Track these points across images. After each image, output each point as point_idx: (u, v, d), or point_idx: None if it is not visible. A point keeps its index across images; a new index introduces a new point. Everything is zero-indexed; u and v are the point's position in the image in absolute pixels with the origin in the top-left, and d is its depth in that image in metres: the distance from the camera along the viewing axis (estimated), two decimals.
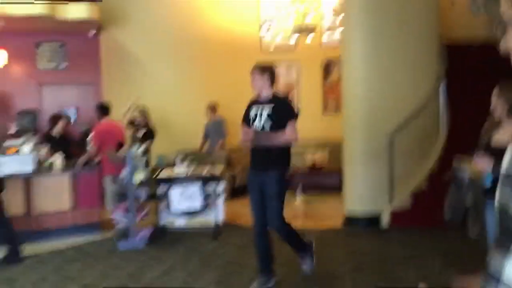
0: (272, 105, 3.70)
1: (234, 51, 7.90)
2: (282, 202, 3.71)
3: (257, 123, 3.72)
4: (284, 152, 3.74)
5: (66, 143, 6.52)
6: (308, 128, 8.66)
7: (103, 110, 6.02)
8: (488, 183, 2.69)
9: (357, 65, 5.75)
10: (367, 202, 5.67)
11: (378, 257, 4.58)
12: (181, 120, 8.08)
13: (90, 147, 5.94)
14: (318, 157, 8.01)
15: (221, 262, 4.59)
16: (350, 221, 5.72)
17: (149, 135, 6.67)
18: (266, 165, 3.70)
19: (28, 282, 4.28)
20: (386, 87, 5.69)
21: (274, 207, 3.67)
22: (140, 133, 6.70)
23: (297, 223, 6.06)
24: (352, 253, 4.81)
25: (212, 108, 7.56)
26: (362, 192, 5.70)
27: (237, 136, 4.04)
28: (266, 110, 3.70)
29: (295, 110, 3.82)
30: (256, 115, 3.75)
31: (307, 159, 8.18)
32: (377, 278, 3.99)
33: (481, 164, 2.69)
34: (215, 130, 7.48)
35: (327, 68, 8.87)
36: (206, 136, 7.68)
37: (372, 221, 5.62)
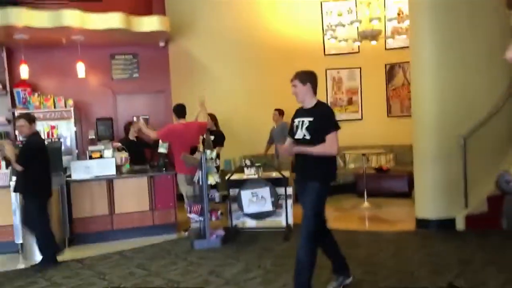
0: (313, 115, 3.61)
1: (297, 57, 8.03)
2: (315, 215, 3.57)
3: (298, 134, 3.67)
4: (323, 164, 3.60)
5: (141, 146, 6.90)
6: (373, 131, 8.71)
7: (179, 111, 6.27)
8: None
9: (427, 68, 5.70)
10: (440, 205, 5.59)
11: (457, 260, 4.51)
12: (246, 126, 8.31)
13: (154, 134, 6.08)
14: (384, 160, 7.96)
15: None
16: (423, 224, 5.65)
17: (219, 139, 6.91)
18: (304, 175, 3.66)
19: (116, 276, 4.60)
20: (458, 89, 5.61)
21: (305, 218, 3.59)
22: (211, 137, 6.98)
23: (365, 227, 6.11)
24: (429, 255, 4.76)
25: (280, 112, 7.72)
26: (435, 195, 5.62)
27: None
28: (306, 121, 3.62)
29: (335, 120, 3.65)
30: (297, 126, 3.70)
31: (372, 162, 8.16)
32: (460, 282, 3.94)
33: None
34: (282, 134, 7.61)
35: (391, 72, 8.82)
36: (271, 141, 7.85)
37: (446, 224, 5.53)
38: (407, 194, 7.19)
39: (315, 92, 3.72)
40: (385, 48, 8.65)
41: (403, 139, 7.72)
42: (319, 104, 3.72)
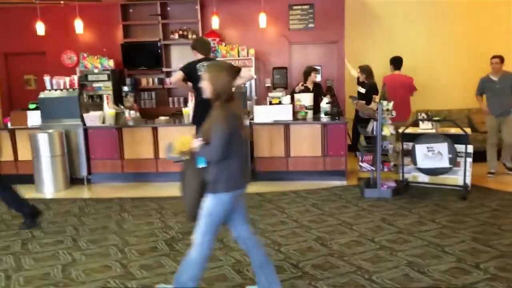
0: None
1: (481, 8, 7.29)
2: None
3: None
4: None
5: (318, 93, 7.15)
6: None
7: (396, 63, 6.88)
8: None
9: None
10: None
11: None
12: (428, 79, 7.95)
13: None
14: None
15: (475, 222, 4.54)
16: None
17: (371, 92, 6.78)
18: None
19: (294, 211, 5.07)
20: None
21: None
22: (362, 90, 6.97)
23: None
24: None
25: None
26: None
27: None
28: None
29: None
30: None
31: None
32: None
33: None
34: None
35: None
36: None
37: None
38: None
39: None
40: None
41: None
42: None
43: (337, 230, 4.42)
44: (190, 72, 4.96)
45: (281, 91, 7.11)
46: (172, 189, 5.68)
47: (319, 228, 4.49)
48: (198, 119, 4.34)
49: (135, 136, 6.61)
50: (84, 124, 6.62)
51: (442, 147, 5.58)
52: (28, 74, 9.16)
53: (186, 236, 4.27)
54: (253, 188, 6.15)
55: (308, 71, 7.32)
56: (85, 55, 8.49)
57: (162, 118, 6.84)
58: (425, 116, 5.99)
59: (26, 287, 3.37)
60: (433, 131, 5.78)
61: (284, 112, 6.52)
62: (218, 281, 3.38)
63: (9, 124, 6.80)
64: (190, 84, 5.07)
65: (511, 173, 6.53)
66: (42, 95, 6.70)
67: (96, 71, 8.39)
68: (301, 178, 6.40)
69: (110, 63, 8.43)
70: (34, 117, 6.76)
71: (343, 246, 4.00)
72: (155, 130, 6.58)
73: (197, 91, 4.65)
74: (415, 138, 5.79)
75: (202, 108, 3.70)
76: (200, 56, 5.08)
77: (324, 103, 6.57)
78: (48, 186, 6.33)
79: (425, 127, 5.91)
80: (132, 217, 5.01)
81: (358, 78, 7.31)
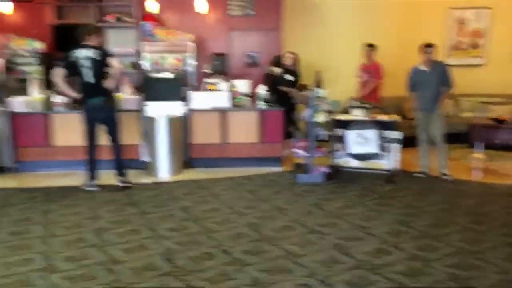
0: None
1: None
2: None
3: None
4: None
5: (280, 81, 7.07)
6: (496, 79, 8.08)
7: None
8: None
9: None
10: None
11: None
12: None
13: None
14: (504, 110, 7.41)
15: (400, 204, 4.79)
16: None
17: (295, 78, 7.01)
18: None
19: (229, 197, 5.10)
20: None
21: None
22: (290, 78, 7.08)
23: (475, 177, 5.91)
24: None
25: None
26: None
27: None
28: None
29: None
30: None
31: (490, 112, 7.65)
32: None
33: None
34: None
35: None
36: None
37: None
38: None
39: None
40: None
41: None
42: None
43: (270, 215, 4.50)
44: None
45: (220, 78, 7.07)
46: (106, 178, 5.53)
47: (253, 214, 4.55)
48: None
49: (65, 122, 6.33)
50: (9, 109, 6.25)
51: (371, 133, 5.81)
52: None
53: (116, 226, 4.19)
54: (189, 175, 6.12)
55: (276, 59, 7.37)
56: (13, 37, 7.97)
57: None
58: (357, 103, 6.20)
59: None
60: (364, 118, 5.99)
61: (221, 99, 6.50)
62: (147, 270, 3.34)
63: None
64: None
65: (445, 178, 5.83)
66: None
67: (25, 54, 7.91)
68: (238, 165, 6.43)
69: (39, 46, 7.98)
70: None
71: (274, 231, 4.08)
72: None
73: None
74: (347, 124, 5.99)
75: None
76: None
77: (262, 90, 6.61)
78: None
79: (356, 114, 6.11)
80: (59, 208, 4.82)
81: (283, 66, 7.28)
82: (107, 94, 5.33)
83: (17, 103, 6.28)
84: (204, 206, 4.81)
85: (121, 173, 5.53)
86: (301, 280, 3.14)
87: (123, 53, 7.49)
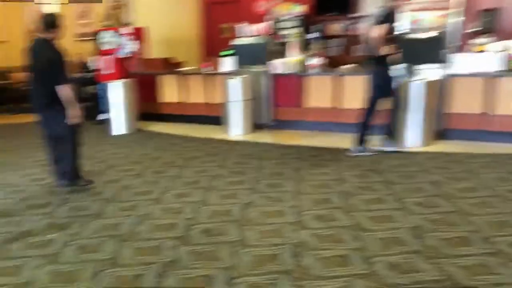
0: None
1: None
2: None
3: None
4: None
5: None
6: None
7: None
8: None
9: None
10: None
11: None
12: None
13: None
14: None
15: None
16: None
17: None
18: None
19: (490, 177, 4.38)
20: None
21: None
22: None
23: None
24: None
25: None
26: None
27: None
28: None
29: None
30: None
31: None
32: None
33: None
34: None
35: None
36: None
37: None
38: None
39: None
40: None
41: None
42: None
43: None
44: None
45: (490, 37, 6.06)
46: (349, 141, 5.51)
47: None
48: None
49: (318, 84, 6.53)
50: (270, 71, 6.80)
51: None
52: (223, 23, 9.74)
53: (361, 192, 4.10)
54: (441, 146, 5.56)
55: None
56: (278, 1, 8.57)
57: (345, 66, 6.58)
58: None
59: (210, 220, 3.67)
60: None
61: (490, 62, 5.55)
62: (394, 243, 3.13)
63: (204, 70, 7.42)
64: None
65: None
66: (234, 42, 7.07)
67: (286, 18, 8.43)
68: (503, 140, 5.48)
69: (301, 9, 8.35)
70: (226, 64, 7.22)
71: None
72: (337, 79, 6.38)
73: None
74: None
75: None
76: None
77: None
78: (236, 128, 6.77)
79: None
80: (308, 166, 5.03)
81: None
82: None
83: (277, 64, 6.77)
84: (457, 183, 4.26)
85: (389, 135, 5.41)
86: None
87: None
